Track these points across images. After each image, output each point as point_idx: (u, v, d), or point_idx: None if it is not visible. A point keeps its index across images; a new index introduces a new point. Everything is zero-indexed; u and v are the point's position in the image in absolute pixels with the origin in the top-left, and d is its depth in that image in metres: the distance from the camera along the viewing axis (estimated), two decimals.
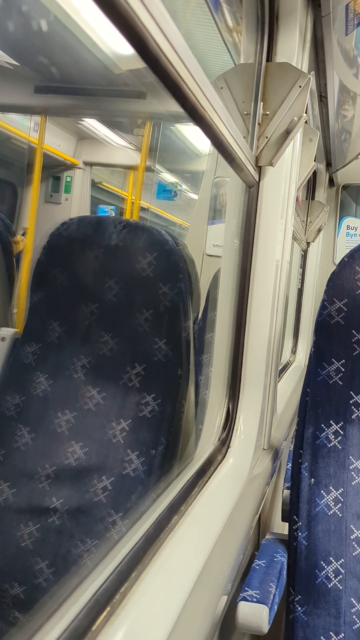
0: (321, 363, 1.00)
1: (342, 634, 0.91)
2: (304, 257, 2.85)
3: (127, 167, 4.19)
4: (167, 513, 0.80)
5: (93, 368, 1.23)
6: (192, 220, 2.93)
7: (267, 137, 1.07)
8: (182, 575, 0.71)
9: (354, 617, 0.91)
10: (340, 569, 0.93)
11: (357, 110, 1.96)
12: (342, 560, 0.93)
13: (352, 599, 0.92)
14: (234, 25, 1.46)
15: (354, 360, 0.99)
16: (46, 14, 2.20)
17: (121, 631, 0.56)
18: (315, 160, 1.41)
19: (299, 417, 1.02)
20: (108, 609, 0.58)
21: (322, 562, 0.94)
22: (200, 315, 1.61)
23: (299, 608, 0.94)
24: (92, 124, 3.84)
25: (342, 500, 0.96)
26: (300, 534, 0.96)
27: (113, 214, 4.98)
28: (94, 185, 4.46)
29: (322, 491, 0.97)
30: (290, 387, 2.11)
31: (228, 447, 1.12)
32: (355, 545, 0.94)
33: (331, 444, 0.98)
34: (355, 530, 0.95)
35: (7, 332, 1.39)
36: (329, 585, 0.93)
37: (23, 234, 3.19)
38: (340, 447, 0.98)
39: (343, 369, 0.99)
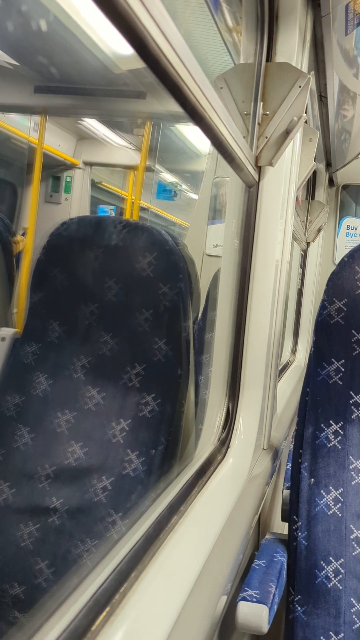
0: (321, 363, 1.00)
1: (342, 634, 0.91)
2: (304, 257, 2.85)
3: (127, 167, 4.19)
4: (167, 513, 0.80)
5: (93, 368, 1.23)
6: (192, 220, 2.93)
7: (266, 137, 1.07)
8: (181, 575, 0.71)
9: (354, 616, 0.91)
10: (340, 568, 0.93)
11: (357, 110, 1.96)
12: (342, 560, 0.93)
13: (352, 599, 0.92)
14: (233, 25, 1.46)
15: (354, 360, 0.99)
16: (46, 14, 2.20)
17: (121, 631, 0.56)
18: (315, 160, 1.41)
19: (298, 417, 1.02)
20: (108, 609, 0.58)
21: (321, 562, 0.94)
22: (200, 315, 1.61)
23: (299, 608, 0.94)
24: (92, 124, 3.84)
25: (342, 500, 0.96)
26: (300, 533, 0.96)
27: (113, 214, 4.98)
28: (94, 185, 4.46)
29: (321, 491, 0.97)
30: (290, 387, 2.11)
31: (228, 447, 1.12)
32: (355, 545, 0.94)
33: (331, 444, 0.98)
34: (355, 530, 0.95)
35: (7, 332, 1.39)
36: (329, 585, 0.93)
37: (23, 234, 3.19)
38: (340, 447, 0.98)
39: (343, 369, 0.99)
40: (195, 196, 4.34)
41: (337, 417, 0.99)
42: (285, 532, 1.02)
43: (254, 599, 0.83)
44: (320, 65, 1.48)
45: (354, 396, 0.99)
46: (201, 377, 1.33)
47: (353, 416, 0.99)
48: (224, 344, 1.18)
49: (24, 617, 1.12)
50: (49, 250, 1.29)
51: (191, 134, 3.90)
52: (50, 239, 1.30)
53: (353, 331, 0.98)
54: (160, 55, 0.50)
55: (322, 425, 0.99)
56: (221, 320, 1.19)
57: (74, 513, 1.14)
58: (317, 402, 1.00)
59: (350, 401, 0.99)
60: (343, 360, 0.99)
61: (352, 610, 0.91)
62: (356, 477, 0.97)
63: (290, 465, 1.07)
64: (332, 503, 0.96)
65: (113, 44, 2.38)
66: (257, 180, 1.13)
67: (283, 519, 1.13)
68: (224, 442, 1.13)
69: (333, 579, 0.93)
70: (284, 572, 0.96)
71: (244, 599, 0.83)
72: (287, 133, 1.06)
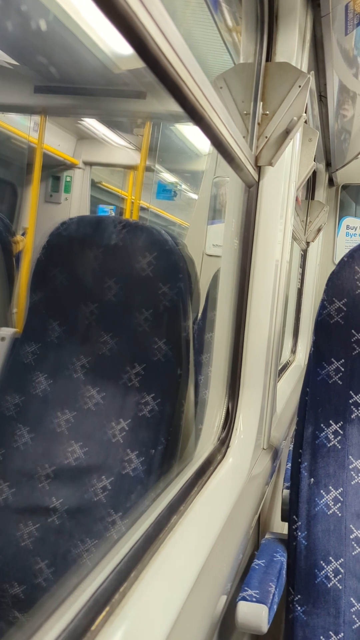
0: (321, 363, 1.00)
1: (342, 634, 0.91)
2: (304, 256, 2.85)
3: (126, 166, 4.19)
4: (167, 513, 0.80)
5: (93, 368, 1.23)
6: (192, 220, 2.93)
7: (266, 137, 1.07)
8: (181, 574, 0.71)
9: (354, 616, 0.91)
10: (340, 568, 0.93)
11: (356, 110, 1.96)
12: (342, 559, 0.93)
13: (352, 599, 0.92)
14: (233, 25, 1.46)
15: (354, 360, 0.99)
16: (46, 14, 2.20)
17: (120, 631, 0.56)
18: (314, 160, 1.41)
19: (298, 417, 1.02)
20: (107, 608, 0.58)
21: (321, 562, 0.94)
22: (200, 315, 1.61)
23: (299, 608, 0.94)
24: (91, 124, 3.84)
25: (342, 499, 0.96)
26: (299, 533, 0.96)
27: (113, 214, 4.98)
28: (94, 185, 4.46)
29: (321, 491, 0.97)
30: (289, 386, 2.11)
31: (227, 446, 1.12)
32: (355, 545, 0.94)
33: (331, 444, 0.98)
34: (355, 530, 0.95)
35: (7, 332, 1.39)
36: (329, 585, 0.93)
37: (23, 234, 3.19)
38: (339, 447, 0.98)
39: (342, 369, 0.99)
40: (195, 196, 4.34)
41: (337, 416, 0.99)
42: (285, 531, 1.02)
43: (254, 599, 0.83)
44: (320, 65, 1.48)
45: (354, 396, 0.99)
46: (201, 376, 1.33)
47: (353, 416, 0.99)
48: (224, 343, 1.18)
49: (23, 617, 1.12)
50: (48, 250, 1.29)
51: (191, 133, 3.90)
52: (50, 239, 1.30)
53: (353, 331, 0.98)
54: (160, 55, 0.50)
55: (322, 425, 0.99)
56: (221, 320, 1.19)
57: (74, 513, 1.14)
58: (317, 402, 1.00)
59: (350, 401, 0.99)
60: (343, 360, 0.99)
61: (351, 610, 0.91)
62: (356, 476, 0.97)
63: (290, 465, 1.07)
64: (332, 503, 0.96)
65: (113, 43, 2.38)
66: (256, 180, 1.13)
67: (283, 519, 1.13)
68: (224, 442, 1.13)
69: (333, 578, 0.93)
70: (284, 571, 0.96)
71: (244, 598, 0.83)
72: (286, 133, 1.06)
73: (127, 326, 1.22)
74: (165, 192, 4.73)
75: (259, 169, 1.12)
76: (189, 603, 0.67)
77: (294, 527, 0.98)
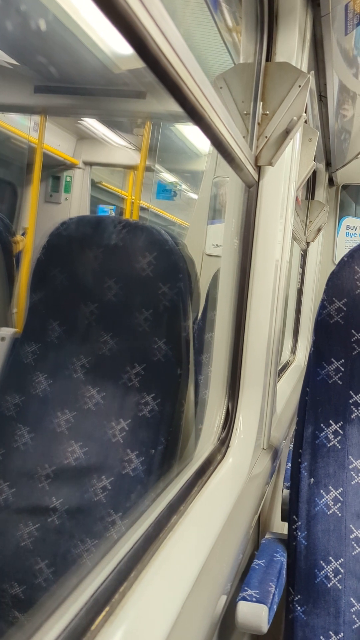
0: (320, 363, 1.00)
1: (342, 634, 0.91)
2: (304, 256, 2.85)
3: (126, 166, 4.19)
4: (167, 513, 0.80)
5: (93, 368, 1.23)
6: (192, 220, 2.93)
7: (266, 137, 1.07)
8: (181, 574, 0.71)
9: (354, 616, 0.91)
10: (340, 568, 0.93)
11: (356, 110, 1.96)
12: (342, 559, 0.93)
13: (352, 599, 0.92)
14: (233, 24, 1.46)
15: (354, 360, 0.99)
16: (46, 14, 2.20)
17: (120, 630, 0.56)
18: (314, 160, 1.41)
19: (298, 417, 1.02)
20: (107, 608, 0.58)
21: (321, 562, 0.94)
22: (199, 315, 1.61)
23: (299, 608, 0.94)
24: (91, 124, 3.84)
25: (342, 499, 0.96)
26: (299, 533, 0.96)
27: (113, 214, 4.98)
28: (94, 185, 4.46)
29: (321, 491, 0.97)
30: (289, 386, 2.11)
31: (227, 446, 1.12)
32: (355, 545, 0.94)
33: (330, 444, 0.98)
34: (355, 530, 0.95)
35: (7, 331, 1.39)
36: (329, 585, 0.93)
37: (23, 234, 3.19)
38: (339, 447, 0.98)
39: (342, 369, 0.99)
40: (195, 196, 4.34)
41: (337, 416, 0.99)
42: (285, 531, 1.02)
43: (254, 599, 0.83)
44: (320, 65, 1.48)
45: (354, 396, 0.99)
46: (201, 376, 1.33)
47: (353, 416, 0.99)
48: (224, 343, 1.18)
49: (23, 617, 1.12)
50: (48, 250, 1.29)
51: (191, 133, 3.90)
52: (50, 239, 1.30)
53: (353, 331, 0.98)
54: (160, 55, 0.50)
55: (322, 425, 0.99)
56: (221, 320, 1.19)
57: (74, 513, 1.14)
58: (317, 402, 1.00)
59: (350, 401, 0.99)
60: (343, 360, 0.99)
61: (351, 610, 0.91)
62: (356, 476, 0.97)
63: (290, 465, 1.07)
64: (332, 503, 0.96)
65: (113, 43, 2.38)
66: (256, 180, 1.13)
67: (283, 519, 1.13)
68: (224, 442, 1.13)
69: (333, 578, 0.93)
70: (284, 571, 0.96)
71: (244, 598, 0.83)
72: (286, 133, 1.06)
73: (127, 326, 1.22)
74: (165, 192, 4.73)
75: (258, 168, 1.12)
76: (189, 603, 0.67)
77: (293, 527, 0.98)
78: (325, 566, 0.94)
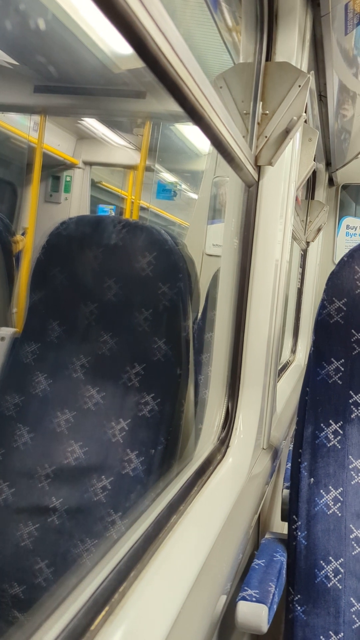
0: (320, 362, 1.00)
1: (342, 634, 0.91)
2: (304, 256, 2.85)
3: (126, 166, 4.20)
4: (167, 512, 0.80)
5: (92, 367, 1.23)
6: (192, 220, 2.93)
7: (266, 137, 1.07)
8: (181, 574, 0.71)
9: (354, 616, 0.91)
10: (340, 568, 0.93)
11: (356, 110, 1.96)
12: (342, 559, 0.93)
13: (352, 599, 0.92)
14: (233, 24, 1.46)
15: (354, 360, 0.99)
16: (45, 14, 2.20)
17: (120, 630, 0.56)
18: (314, 160, 1.41)
19: (298, 417, 1.02)
20: (107, 608, 0.58)
21: (321, 562, 0.94)
22: (199, 314, 1.61)
23: (299, 607, 0.94)
24: (91, 124, 3.84)
25: (342, 499, 0.96)
26: (299, 533, 0.96)
27: (113, 214, 4.98)
28: (94, 184, 4.46)
29: (321, 490, 0.97)
30: (289, 386, 2.11)
31: (227, 446, 1.12)
32: (355, 545, 0.94)
33: (330, 444, 0.98)
34: (355, 530, 0.95)
35: (7, 331, 1.39)
36: (329, 585, 0.93)
37: (23, 234, 3.19)
38: (339, 447, 0.98)
39: (342, 369, 0.99)
40: (194, 196, 4.34)
41: (337, 416, 0.99)
42: (285, 531, 1.02)
43: (254, 599, 0.83)
44: (320, 64, 1.48)
45: (354, 396, 0.99)
46: (201, 376, 1.33)
47: (353, 416, 0.99)
48: (224, 343, 1.18)
49: (23, 617, 1.12)
50: (48, 249, 1.29)
51: (191, 133, 3.91)
52: (49, 239, 1.30)
53: (353, 331, 0.98)
54: (160, 55, 0.50)
55: (322, 424, 0.99)
56: (221, 320, 1.19)
57: (74, 513, 1.14)
58: (317, 402, 1.00)
59: (350, 401, 0.99)
60: (343, 360, 0.99)
61: (351, 610, 0.91)
62: (356, 476, 0.97)
63: (289, 464, 1.07)
64: (332, 503, 0.96)
65: (112, 43, 2.38)
66: (256, 179, 1.13)
67: (283, 519, 1.13)
68: (224, 442, 1.13)
69: (333, 578, 0.93)
70: (284, 571, 0.96)
71: (244, 598, 0.83)
72: (286, 132, 1.06)
73: (127, 326, 1.22)
74: (165, 192, 4.73)
75: (258, 168, 1.12)
76: (189, 603, 0.67)
77: (293, 527, 0.98)
78: (325, 566, 0.94)
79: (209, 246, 2.69)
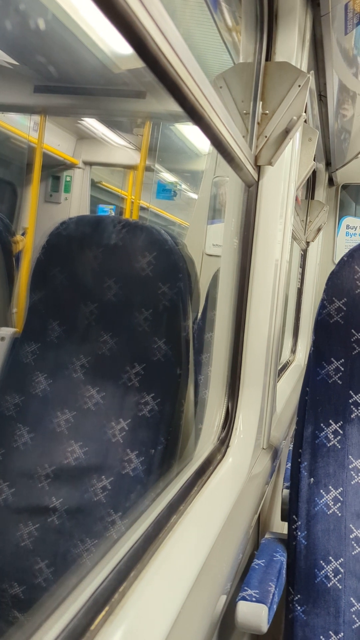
0: (320, 362, 1.00)
1: (342, 634, 0.91)
2: (304, 256, 2.85)
3: (126, 166, 4.20)
4: (167, 512, 0.80)
5: (92, 367, 1.23)
6: (192, 220, 2.93)
7: (266, 137, 1.07)
8: (181, 574, 0.71)
9: (354, 616, 0.91)
10: (340, 568, 0.93)
11: (356, 110, 1.96)
12: (342, 559, 0.93)
13: (352, 599, 0.92)
14: (233, 24, 1.46)
15: (353, 360, 0.99)
16: (45, 13, 2.20)
17: (120, 630, 0.56)
18: (314, 160, 1.41)
19: (298, 417, 1.02)
20: (107, 608, 0.58)
21: (321, 562, 0.94)
22: (199, 314, 1.61)
23: (299, 607, 0.94)
24: (91, 124, 3.84)
25: (342, 499, 0.96)
26: (299, 533, 0.96)
27: (113, 214, 4.98)
28: (94, 184, 4.46)
29: (321, 490, 0.97)
30: (289, 386, 2.11)
31: (227, 446, 1.12)
32: (355, 545, 0.94)
33: (330, 444, 0.98)
34: (355, 530, 0.95)
35: (7, 331, 1.39)
36: (329, 585, 0.93)
37: (23, 234, 3.19)
38: (339, 447, 0.98)
39: (342, 368, 0.99)
40: (194, 196, 4.34)
41: (337, 416, 0.99)
42: (285, 531, 1.02)
43: (254, 599, 0.83)
44: (320, 64, 1.48)
45: (354, 395, 0.99)
46: (201, 376, 1.33)
47: (352, 415, 0.99)
48: (224, 343, 1.18)
49: (23, 617, 1.12)
50: (48, 249, 1.29)
51: (191, 133, 3.91)
52: (49, 239, 1.30)
53: (352, 330, 0.98)
54: (160, 55, 0.50)
55: (322, 424, 0.99)
56: (221, 320, 1.19)
57: (74, 513, 1.14)
58: (317, 402, 1.00)
59: (350, 400, 0.99)
60: (342, 360, 0.99)
61: (351, 610, 0.91)
62: (356, 476, 0.97)
63: (289, 464, 1.07)
64: (332, 502, 0.96)
65: (112, 43, 2.38)
66: (256, 179, 1.13)
67: (283, 519, 1.13)
68: (224, 442, 1.13)
69: (333, 578, 0.93)
70: (284, 571, 0.96)
71: (244, 598, 0.83)
72: (286, 132, 1.06)
73: (127, 326, 1.22)
74: (165, 191, 4.73)
75: (258, 168, 1.12)
76: (189, 603, 0.67)
77: (293, 526, 0.98)
78: (325, 566, 0.94)
79: (209, 246, 2.69)
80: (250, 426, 1.17)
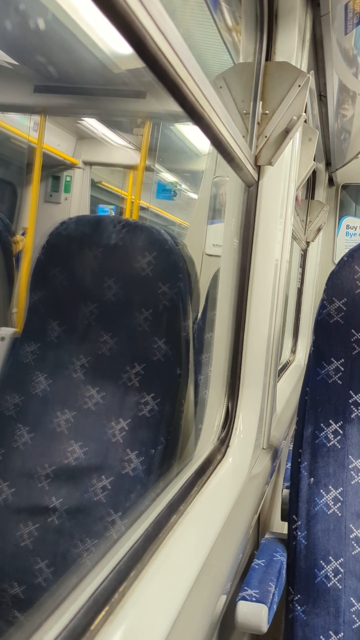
0: (320, 362, 1.00)
1: (342, 633, 0.91)
2: (304, 256, 2.85)
3: (126, 166, 4.20)
4: (167, 512, 0.80)
5: (92, 367, 1.23)
6: (192, 220, 2.93)
7: (266, 137, 1.07)
8: (181, 574, 0.71)
9: (354, 616, 0.91)
10: (340, 568, 0.93)
11: (356, 110, 1.96)
12: (342, 559, 0.93)
13: (352, 598, 0.92)
14: (233, 24, 1.46)
15: (353, 360, 0.99)
16: (45, 13, 2.20)
17: (120, 630, 0.56)
18: (314, 160, 1.41)
19: (298, 417, 1.02)
20: (107, 608, 0.58)
21: (321, 562, 0.94)
22: (199, 314, 1.61)
23: (299, 607, 0.94)
24: (91, 124, 3.84)
25: (342, 499, 0.96)
26: (299, 533, 0.96)
27: (113, 214, 4.98)
28: (94, 184, 4.46)
29: (321, 490, 0.97)
30: (289, 386, 2.11)
31: (227, 446, 1.12)
32: (355, 545, 0.94)
33: (330, 443, 0.98)
34: (355, 530, 0.95)
35: (7, 331, 1.39)
36: (329, 585, 0.93)
37: (23, 234, 3.19)
38: (339, 447, 0.98)
39: (342, 368, 0.99)
40: (194, 196, 4.34)
41: (337, 416, 0.99)
42: (285, 531, 1.02)
43: (254, 599, 0.83)
44: (320, 64, 1.48)
45: (354, 395, 0.99)
46: (201, 376, 1.33)
47: (352, 415, 0.99)
48: (224, 343, 1.18)
49: (23, 617, 1.12)
50: (48, 249, 1.29)
51: (191, 133, 3.91)
52: (49, 239, 1.30)
53: (352, 330, 0.98)
54: (160, 55, 0.50)
55: (322, 424, 0.99)
56: (221, 320, 1.19)
57: (74, 513, 1.14)
58: (317, 402, 1.00)
59: (350, 400, 0.99)
60: (342, 360, 0.99)
61: (351, 610, 0.91)
62: (356, 476, 0.97)
63: (289, 464, 1.07)
64: (332, 502, 0.96)
65: (112, 43, 2.38)
66: (256, 179, 1.13)
67: (283, 519, 1.13)
68: (224, 442, 1.13)
69: (333, 578, 0.93)
70: (284, 571, 0.96)
71: (244, 598, 0.83)
72: (286, 132, 1.06)
73: (127, 326, 1.22)
74: (165, 191, 4.73)
75: (258, 168, 1.12)
76: (189, 603, 0.67)
77: (293, 526, 0.98)
78: (325, 566, 0.94)
79: (209, 246, 2.69)
80: (250, 426, 1.17)
